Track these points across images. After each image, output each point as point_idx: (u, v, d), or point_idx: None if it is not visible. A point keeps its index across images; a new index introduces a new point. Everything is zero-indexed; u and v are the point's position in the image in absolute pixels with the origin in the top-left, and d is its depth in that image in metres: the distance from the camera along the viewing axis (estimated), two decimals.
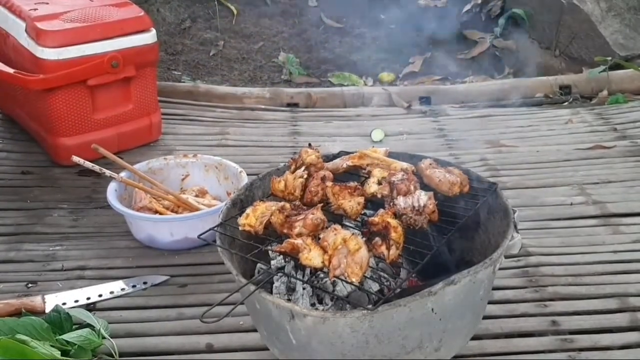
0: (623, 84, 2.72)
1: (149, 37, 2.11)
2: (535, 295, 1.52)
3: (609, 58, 2.79)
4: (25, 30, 1.99)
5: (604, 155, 2.18)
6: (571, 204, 1.89)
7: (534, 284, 1.56)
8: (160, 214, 1.73)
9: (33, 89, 2.00)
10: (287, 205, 1.20)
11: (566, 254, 1.67)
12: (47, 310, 1.46)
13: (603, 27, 2.93)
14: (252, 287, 1.10)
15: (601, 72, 2.73)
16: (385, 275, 1.23)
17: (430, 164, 1.31)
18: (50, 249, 1.71)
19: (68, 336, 1.32)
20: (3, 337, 1.26)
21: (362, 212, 1.22)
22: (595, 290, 1.53)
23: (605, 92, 2.67)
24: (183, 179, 1.90)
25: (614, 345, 1.38)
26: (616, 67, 2.79)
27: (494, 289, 1.42)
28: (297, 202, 1.23)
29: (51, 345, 1.29)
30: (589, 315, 1.46)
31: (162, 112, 2.30)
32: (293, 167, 1.33)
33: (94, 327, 1.36)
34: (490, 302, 1.37)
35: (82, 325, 1.37)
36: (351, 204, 1.20)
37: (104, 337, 1.35)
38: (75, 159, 1.68)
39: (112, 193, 1.72)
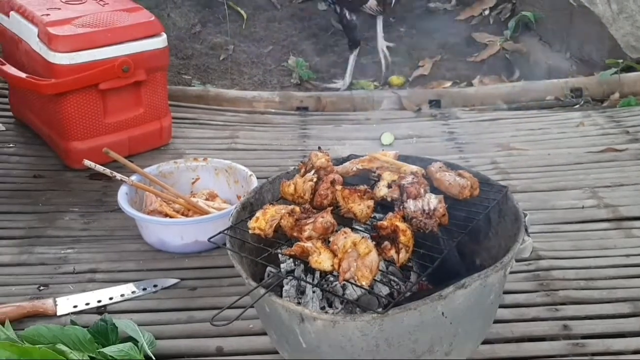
0: (635, 87, 2.70)
1: (160, 42, 2.12)
2: (547, 299, 1.51)
3: (621, 60, 2.77)
4: (38, 36, 2.01)
5: (616, 158, 2.16)
6: (583, 208, 1.88)
7: (545, 288, 1.54)
8: (171, 217, 1.73)
9: (45, 93, 2.02)
10: (297, 208, 1.20)
11: (578, 258, 1.65)
12: (58, 313, 1.47)
13: (614, 29, 2.92)
14: (262, 291, 1.10)
15: (613, 74, 2.72)
16: (395, 279, 1.22)
17: (440, 167, 1.31)
18: (62, 252, 1.72)
19: (109, 350, 1.28)
20: (44, 346, 1.24)
21: (372, 216, 1.22)
22: (607, 295, 1.52)
23: (616, 95, 2.66)
24: (193, 183, 1.91)
25: (626, 350, 1.36)
26: (628, 69, 2.78)
27: (505, 292, 1.42)
28: (307, 206, 1.23)
29: (91, 357, 1.27)
30: (601, 319, 1.45)
31: (172, 116, 2.31)
32: (303, 170, 1.33)
33: (137, 341, 1.32)
34: (501, 306, 1.36)
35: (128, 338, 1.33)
36: (361, 207, 1.19)
37: (146, 354, 1.29)
38: (87, 162, 1.69)
39: (122, 196, 1.73)
